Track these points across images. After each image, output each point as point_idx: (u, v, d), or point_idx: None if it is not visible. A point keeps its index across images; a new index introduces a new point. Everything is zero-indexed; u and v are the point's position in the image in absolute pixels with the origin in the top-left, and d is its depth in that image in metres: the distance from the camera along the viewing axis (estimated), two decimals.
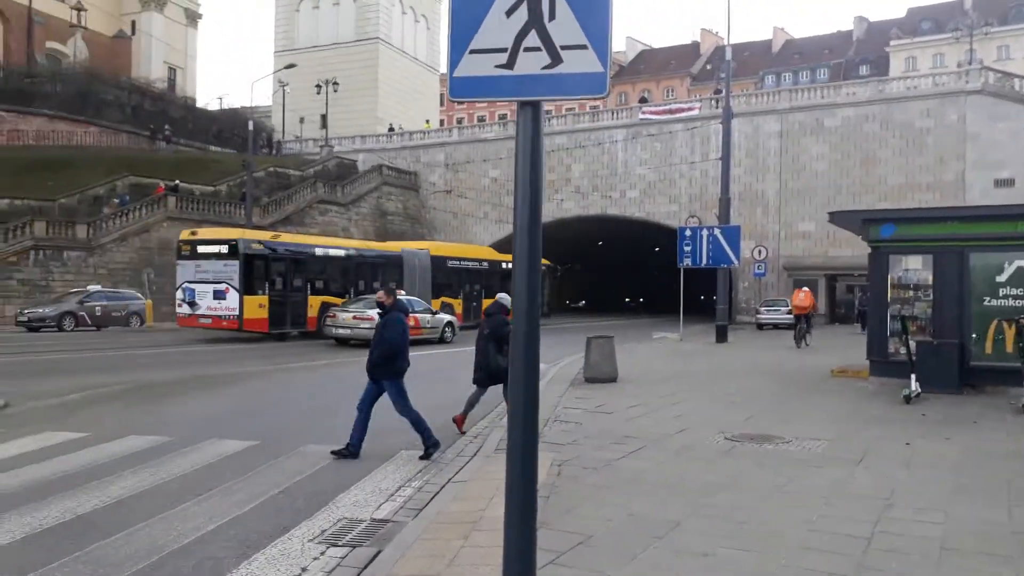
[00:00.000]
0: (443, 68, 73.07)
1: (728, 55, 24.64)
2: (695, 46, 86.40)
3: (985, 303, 11.62)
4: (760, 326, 33.20)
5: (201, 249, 23.70)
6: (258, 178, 43.51)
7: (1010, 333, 11.23)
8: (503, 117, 52.92)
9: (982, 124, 34.52)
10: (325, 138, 51.68)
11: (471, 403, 9.29)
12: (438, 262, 30.94)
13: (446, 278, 31.32)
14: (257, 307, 23.16)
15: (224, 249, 23.30)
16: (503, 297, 9.28)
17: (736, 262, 24.45)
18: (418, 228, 48.91)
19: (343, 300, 25.06)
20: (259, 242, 24.29)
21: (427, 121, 57.47)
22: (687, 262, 24.52)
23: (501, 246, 47.60)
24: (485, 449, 8.01)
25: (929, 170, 35.50)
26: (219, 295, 22.94)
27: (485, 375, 9.14)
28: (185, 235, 25.02)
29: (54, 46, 52.12)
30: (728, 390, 12.66)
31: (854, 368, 14.30)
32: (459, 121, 70.71)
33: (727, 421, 9.53)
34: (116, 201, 35.85)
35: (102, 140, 44.43)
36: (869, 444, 7.95)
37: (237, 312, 22.72)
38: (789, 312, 33.06)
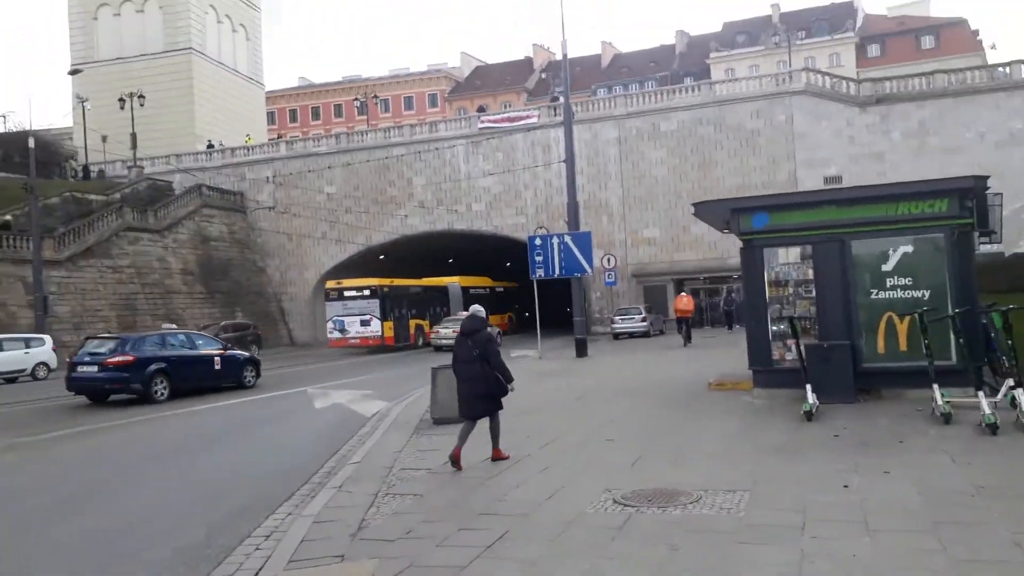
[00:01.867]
0: (268, 81, 68.85)
1: (564, 50, 23.28)
2: (528, 61, 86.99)
3: (872, 296, 10.38)
4: (616, 335, 32.21)
5: (347, 293, 34.19)
6: (52, 205, 37.87)
7: (902, 328, 10.02)
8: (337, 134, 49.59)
9: (808, 123, 35.62)
10: (133, 158, 46.13)
11: (463, 438, 8.11)
12: (464, 290, 40.71)
13: (469, 301, 35.88)
14: (388, 329, 33.73)
15: (367, 292, 33.94)
16: (479, 309, 8.51)
17: (590, 270, 23.01)
18: (248, 253, 44.57)
19: (427, 321, 36.02)
20: (384, 285, 34.77)
21: (247, 136, 52.86)
22: (539, 273, 22.78)
23: (342, 268, 44.37)
24: (276, 559, 5.41)
25: (763, 170, 36.20)
26: (365, 323, 33.42)
27: (490, 399, 8.07)
28: (331, 284, 36.05)
29: None
30: (601, 419, 10.73)
31: (732, 379, 12.86)
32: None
33: (610, 468, 7.51)
34: None
35: None
36: (800, 492, 6.11)
37: (380, 333, 33.33)
38: (643, 320, 32.49)
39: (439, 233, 42.67)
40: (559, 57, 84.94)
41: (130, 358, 16.07)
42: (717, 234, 37.09)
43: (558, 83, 70.24)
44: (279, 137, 58.08)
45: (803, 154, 35.53)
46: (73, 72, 31.45)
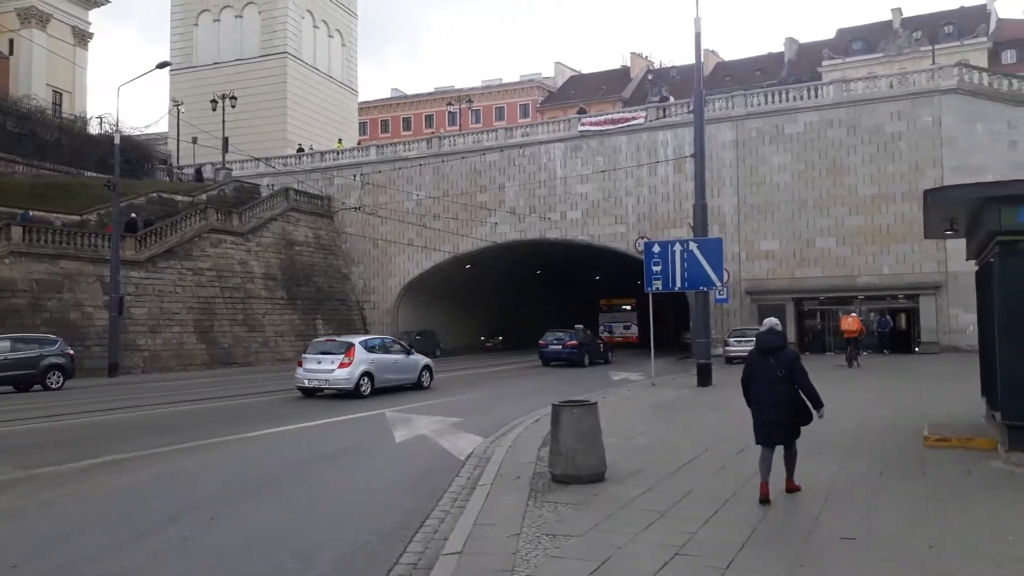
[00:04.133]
0: (361, 93, 68.05)
1: (698, 28, 19.90)
2: (625, 71, 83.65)
3: None
4: (730, 359, 28.35)
5: (615, 305, 52.01)
6: (138, 205, 37.01)
7: None
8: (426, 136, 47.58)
9: (959, 126, 31.03)
10: (222, 160, 45.28)
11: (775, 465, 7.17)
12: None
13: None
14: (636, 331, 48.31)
15: (628, 306, 50.90)
16: (776, 322, 7.76)
17: (719, 284, 19.49)
18: (332, 259, 42.85)
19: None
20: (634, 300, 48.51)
21: (339, 140, 51.56)
22: (657, 285, 19.47)
23: (427, 277, 42.10)
24: None
25: (904, 178, 31.74)
26: (627, 328, 49.79)
27: (795, 426, 7.18)
28: (604, 302, 52.20)
29: None
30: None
31: (954, 430, 9.29)
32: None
33: None
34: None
35: None
36: None
37: (637, 334, 47.70)
38: None
39: (530, 242, 39.81)
40: (657, 64, 79.88)
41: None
42: (846, 249, 33.13)
43: (655, 92, 66.78)
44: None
45: (953, 160, 30.92)
46: (162, 66, 29.94)
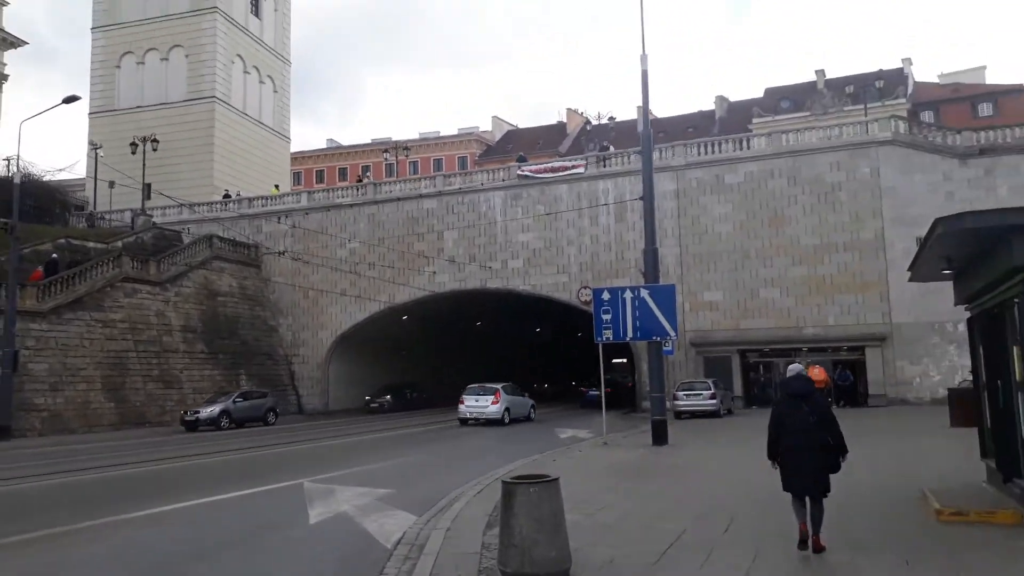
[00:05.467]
0: (296, 144, 66.15)
1: (644, 65, 19.03)
2: (561, 126, 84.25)
3: None
4: (679, 414, 27.11)
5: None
6: (43, 252, 34.13)
7: None
8: (359, 181, 45.89)
9: (897, 177, 31.17)
10: (142, 206, 42.66)
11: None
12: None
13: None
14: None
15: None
16: (801, 368, 7.62)
17: (674, 334, 18.18)
18: (259, 311, 40.35)
19: None
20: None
21: (276, 186, 49.50)
22: (607, 335, 18.11)
23: (361, 328, 39.98)
24: None
25: (845, 228, 31.62)
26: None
27: (825, 474, 6.95)
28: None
29: None
30: None
31: (967, 501, 8.01)
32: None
33: None
34: None
35: None
36: None
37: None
38: (712, 396, 27.54)
39: (470, 291, 38.28)
40: (595, 120, 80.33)
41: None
42: (791, 299, 32.60)
43: (592, 147, 66.95)
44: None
45: (892, 211, 30.96)
46: (68, 100, 27.67)
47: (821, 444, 6.95)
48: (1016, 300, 6.90)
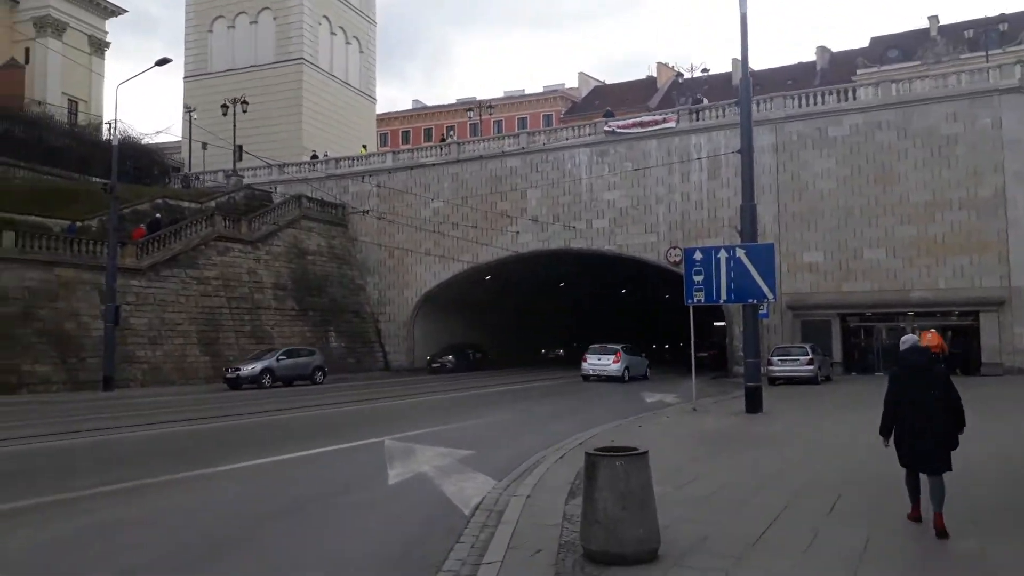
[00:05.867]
0: (381, 106, 66.52)
1: (743, 8, 17.72)
2: (651, 81, 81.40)
3: None
4: (773, 380, 25.82)
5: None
6: (142, 212, 35.44)
7: None
8: (442, 141, 45.62)
9: (1022, 129, 28.45)
10: (234, 167, 43.70)
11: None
12: None
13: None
14: None
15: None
16: (916, 339, 7.53)
17: (772, 296, 17.04)
18: (346, 269, 40.94)
19: None
20: None
21: (364, 146, 49.93)
22: (698, 298, 17.17)
23: (445, 287, 40.06)
24: None
25: (960, 184, 29.18)
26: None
27: (947, 449, 6.54)
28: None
29: None
30: None
31: None
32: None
33: None
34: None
35: None
36: None
37: None
38: (810, 362, 26.13)
39: (553, 252, 37.62)
40: (687, 74, 76.23)
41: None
42: (897, 261, 30.42)
43: (684, 101, 64.37)
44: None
45: (1016, 165, 28.35)
46: (161, 63, 28.28)
47: (944, 419, 6.54)
48: None
